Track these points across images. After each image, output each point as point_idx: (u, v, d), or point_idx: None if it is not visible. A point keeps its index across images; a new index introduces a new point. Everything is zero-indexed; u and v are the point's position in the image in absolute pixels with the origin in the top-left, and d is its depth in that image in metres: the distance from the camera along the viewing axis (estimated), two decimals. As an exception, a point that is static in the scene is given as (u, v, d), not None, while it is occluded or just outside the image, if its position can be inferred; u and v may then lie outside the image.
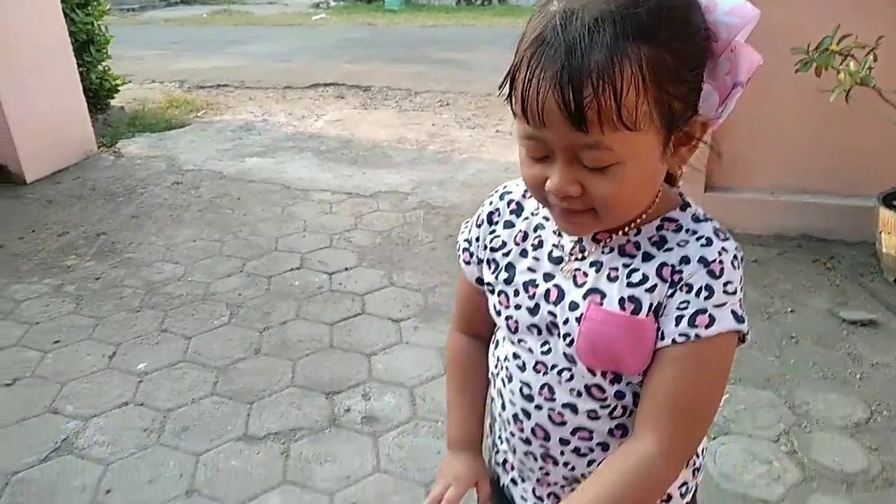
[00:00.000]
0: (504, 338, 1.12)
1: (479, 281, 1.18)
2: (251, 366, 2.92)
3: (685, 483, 1.13)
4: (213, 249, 3.95)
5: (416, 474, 2.35)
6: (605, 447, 1.04)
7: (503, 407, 1.13)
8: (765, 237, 3.90)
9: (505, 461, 1.22)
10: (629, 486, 0.91)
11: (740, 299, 0.94)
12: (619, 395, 1.00)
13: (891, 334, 3.02)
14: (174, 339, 3.11)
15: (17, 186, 4.80)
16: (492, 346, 1.18)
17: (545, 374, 1.04)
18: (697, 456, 1.15)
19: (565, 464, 1.08)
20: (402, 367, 2.86)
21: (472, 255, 1.17)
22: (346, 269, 3.71)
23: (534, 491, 1.17)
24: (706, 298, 0.91)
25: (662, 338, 0.93)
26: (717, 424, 2.53)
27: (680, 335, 0.91)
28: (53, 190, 4.82)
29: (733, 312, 0.92)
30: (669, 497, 1.11)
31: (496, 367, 1.14)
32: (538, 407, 1.06)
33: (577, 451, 1.06)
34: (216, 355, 2.98)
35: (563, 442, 1.06)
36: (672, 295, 0.93)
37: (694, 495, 1.20)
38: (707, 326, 0.91)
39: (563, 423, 1.04)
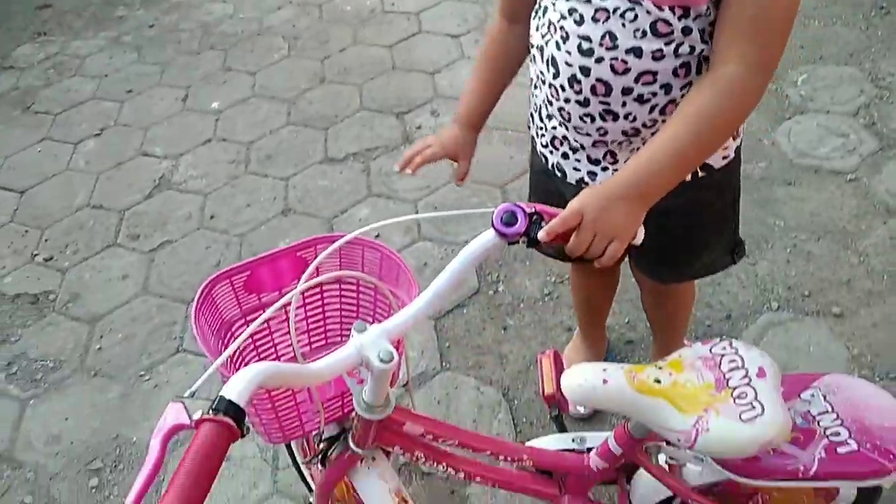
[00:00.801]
0: (553, 1, 1.07)
1: None
2: (319, 94, 2.96)
3: None
4: (256, -18, 3.80)
5: (491, 178, 2.46)
6: (667, 90, 1.04)
7: (556, 75, 1.10)
8: None
9: (553, 139, 1.24)
10: (720, 104, 0.95)
11: None
12: (686, 31, 0.98)
13: None
14: (239, 76, 3.15)
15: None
16: (534, 21, 1.13)
17: (606, 21, 1.00)
18: None
19: (626, 115, 1.08)
20: (463, 79, 2.84)
21: None
22: (396, -13, 3.54)
23: (588, 157, 1.20)
24: None
25: None
26: (792, 104, 2.48)
27: None
28: (81, -61, 4.58)
29: None
30: None
31: (545, 35, 1.10)
32: (599, 59, 1.03)
33: (639, 98, 1.05)
34: (283, 87, 3.03)
35: (626, 91, 1.05)
36: None
37: (739, 146, 1.23)
38: None
39: (627, 71, 1.03)
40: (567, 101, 1.12)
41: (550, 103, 1.17)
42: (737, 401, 0.97)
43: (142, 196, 2.65)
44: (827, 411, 1.11)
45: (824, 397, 1.13)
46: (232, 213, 2.52)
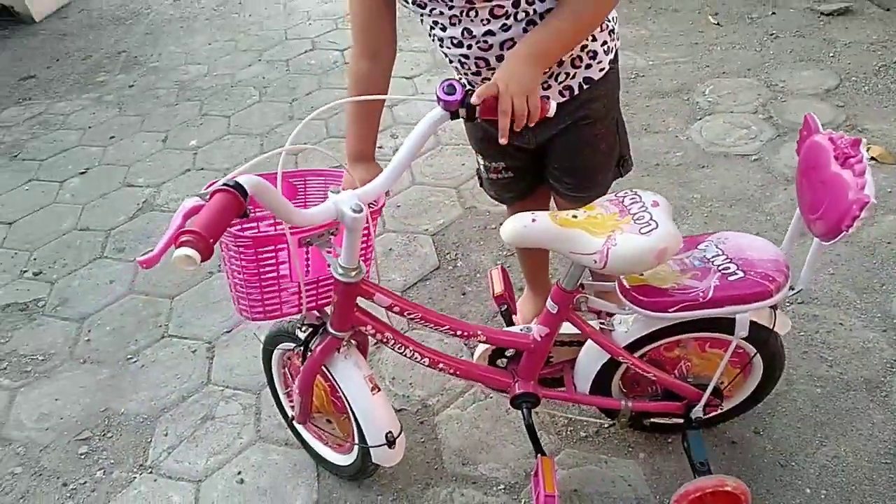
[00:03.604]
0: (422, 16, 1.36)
1: None
2: (289, 128, 3.27)
3: (605, 42, 1.45)
4: (229, 48, 4.19)
5: (446, 181, 2.75)
6: None
7: (450, 61, 1.43)
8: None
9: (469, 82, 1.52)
10: (572, 18, 1.22)
11: None
12: (515, 3, 1.27)
13: (863, 17, 3.27)
14: (216, 119, 3.45)
15: (28, 25, 4.97)
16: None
17: (459, 23, 1.31)
18: (610, 21, 1.44)
19: None
20: (422, 111, 3.18)
21: None
22: (356, 44, 3.96)
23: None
24: None
25: None
26: (701, 108, 2.87)
27: None
28: (63, 24, 4.98)
29: None
30: (595, 54, 1.43)
31: (430, 37, 1.41)
32: (469, 47, 1.35)
33: None
34: (256, 125, 3.34)
35: (500, 58, 1.35)
36: None
37: (615, 55, 1.51)
38: None
39: (491, 47, 1.33)
40: (466, 74, 1.44)
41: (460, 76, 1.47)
42: (637, 221, 1.23)
43: (126, 218, 2.87)
44: (719, 254, 1.37)
45: (716, 246, 1.39)
46: (211, 225, 2.74)
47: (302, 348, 1.50)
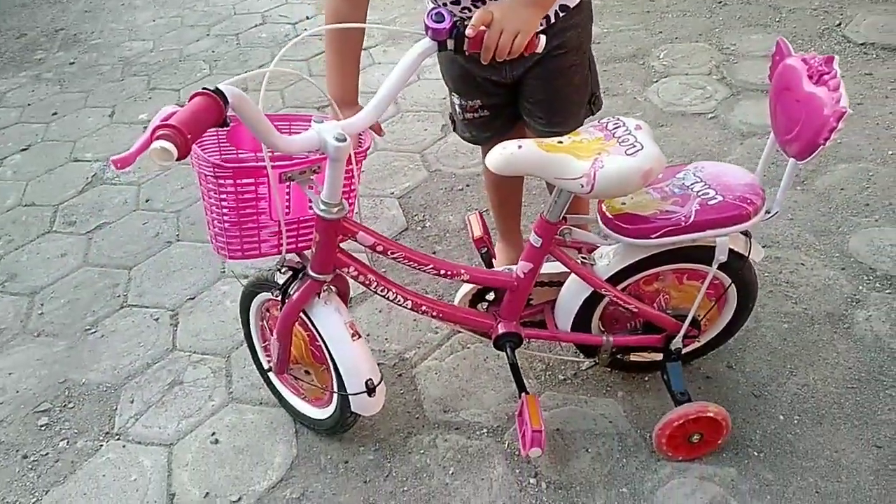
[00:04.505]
0: None
1: None
2: (242, 100, 3.19)
3: None
4: (175, 24, 4.07)
5: (409, 147, 2.73)
6: None
7: None
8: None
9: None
10: None
11: None
12: None
13: (806, -14, 3.40)
14: (165, 93, 3.34)
15: (-45, 5, 4.72)
16: None
17: None
18: None
19: None
20: (380, 80, 3.15)
21: None
22: (308, 17, 3.90)
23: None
24: None
25: None
26: (657, 72, 2.92)
27: None
28: (-7, 4, 4.75)
29: None
30: None
31: None
32: None
33: None
34: (208, 98, 3.24)
35: None
36: None
37: None
38: None
39: None
40: (445, 5, 1.41)
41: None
42: (622, 144, 1.24)
43: (76, 192, 2.75)
44: (697, 181, 1.40)
45: (694, 174, 1.42)
46: (167, 196, 2.65)
47: (281, 294, 1.46)
